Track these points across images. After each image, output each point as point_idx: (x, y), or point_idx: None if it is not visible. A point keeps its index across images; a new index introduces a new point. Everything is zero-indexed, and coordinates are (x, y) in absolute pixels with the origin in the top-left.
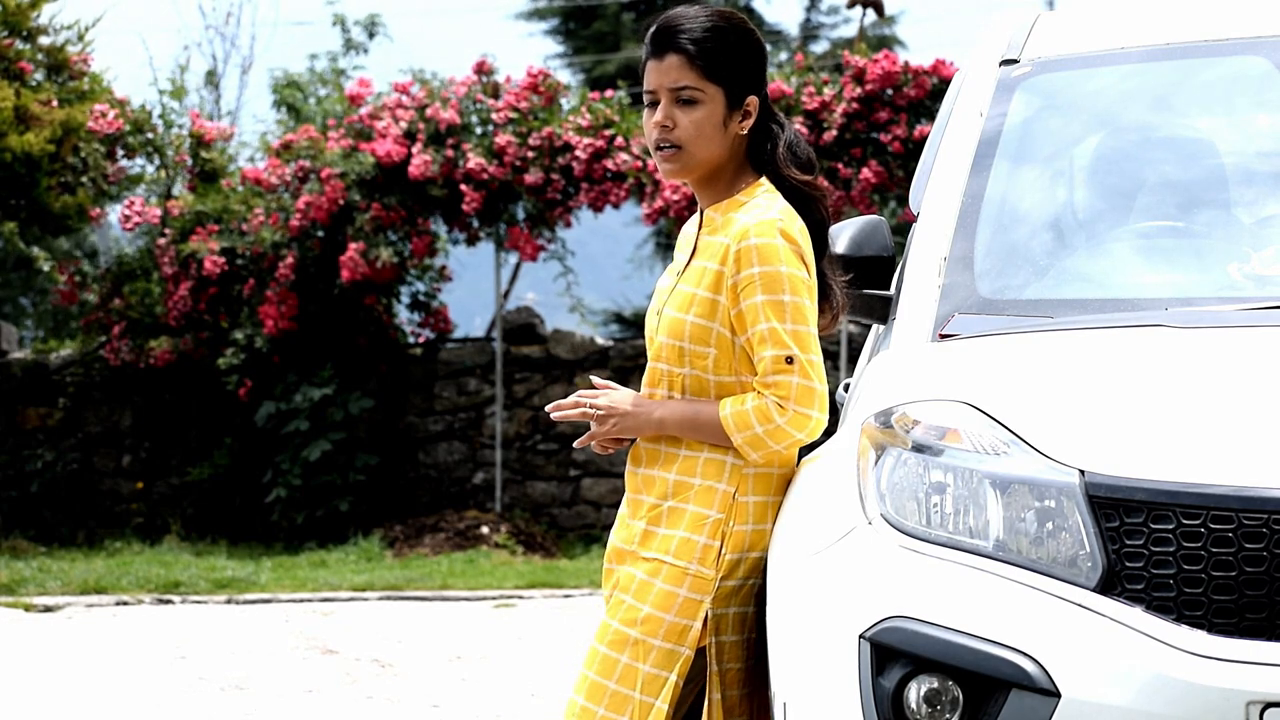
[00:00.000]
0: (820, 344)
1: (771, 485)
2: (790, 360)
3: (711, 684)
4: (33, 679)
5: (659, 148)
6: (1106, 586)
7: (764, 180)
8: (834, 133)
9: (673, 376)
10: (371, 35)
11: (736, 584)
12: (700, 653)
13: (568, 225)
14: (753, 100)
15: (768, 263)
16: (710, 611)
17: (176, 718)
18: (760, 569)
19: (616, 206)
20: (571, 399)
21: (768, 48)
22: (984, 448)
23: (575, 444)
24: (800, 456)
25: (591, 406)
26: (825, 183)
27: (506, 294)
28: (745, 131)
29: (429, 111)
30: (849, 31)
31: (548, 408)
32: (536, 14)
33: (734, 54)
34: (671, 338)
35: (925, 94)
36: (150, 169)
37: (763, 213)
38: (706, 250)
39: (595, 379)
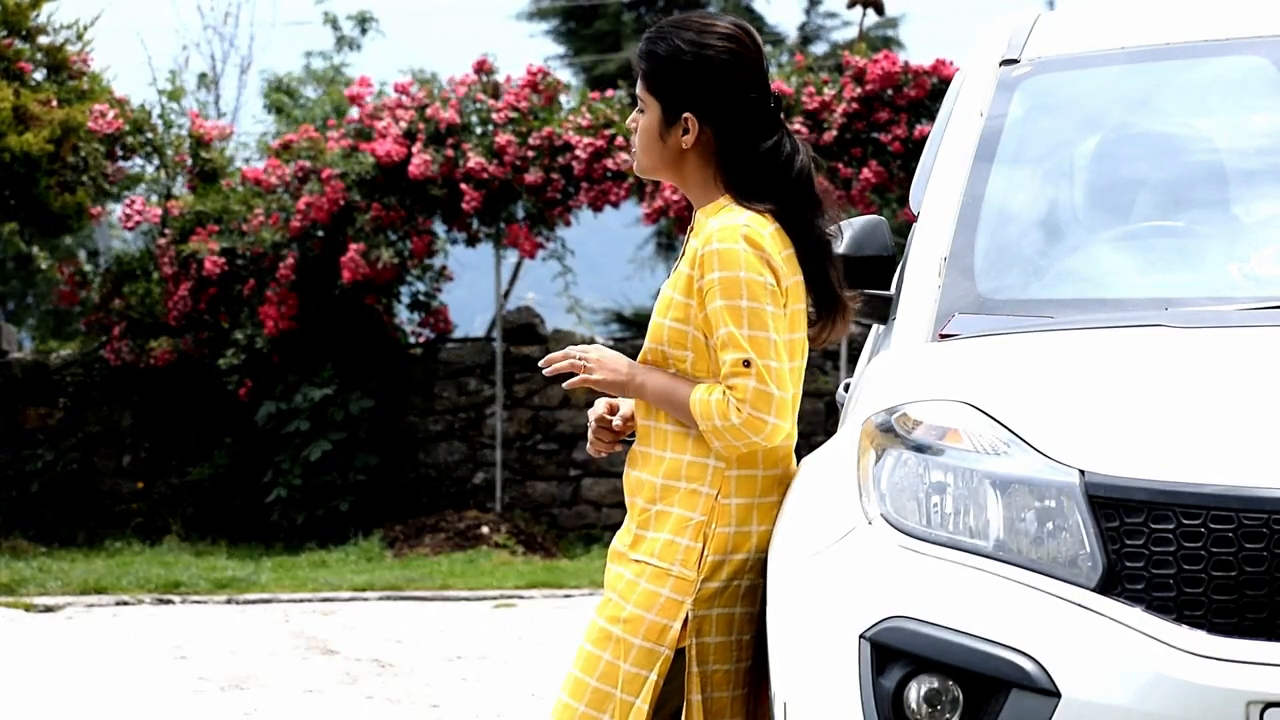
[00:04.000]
0: (818, 346)
1: (756, 488)
2: (747, 364)
3: (690, 685)
4: (33, 679)
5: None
6: (1107, 586)
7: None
8: (834, 133)
9: None
10: (364, 31)
11: (720, 585)
12: (683, 653)
13: (567, 224)
14: (689, 118)
15: (727, 268)
16: (691, 613)
17: (176, 718)
18: (746, 570)
19: (616, 206)
20: (562, 352)
21: (711, 70)
22: (984, 448)
23: (565, 385)
24: (799, 458)
25: (580, 358)
26: (823, 186)
27: (506, 294)
28: (689, 146)
29: (429, 111)
30: (847, 34)
31: (540, 363)
32: (538, 14)
33: (676, 73)
34: (653, 341)
35: (925, 94)
36: (150, 169)
37: (732, 217)
38: (686, 254)
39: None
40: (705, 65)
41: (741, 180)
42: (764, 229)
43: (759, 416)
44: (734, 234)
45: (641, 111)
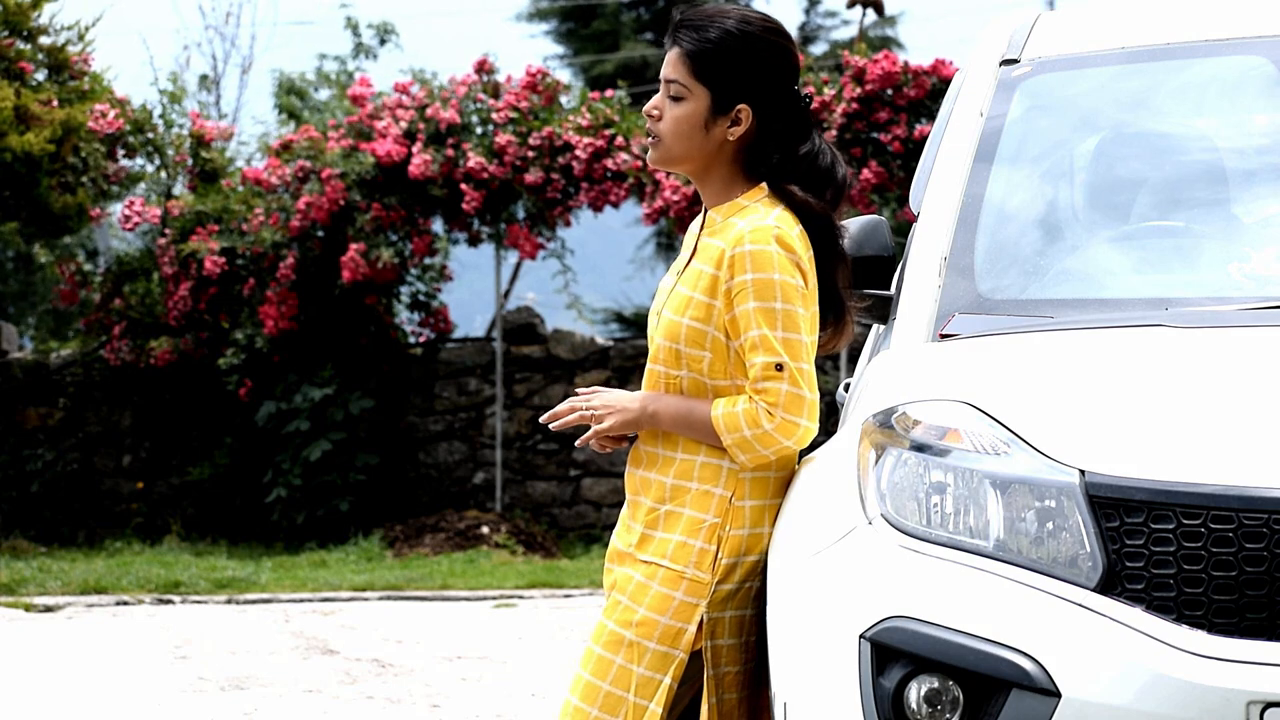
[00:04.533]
0: (823, 353)
1: (769, 489)
2: (780, 368)
3: (709, 688)
4: (33, 679)
5: (646, 133)
6: (1107, 586)
7: (765, 185)
8: (834, 133)
9: (670, 378)
10: (383, 41)
11: (733, 588)
12: (696, 655)
13: (567, 224)
14: (744, 109)
15: (761, 269)
16: (706, 615)
17: (176, 718)
18: (757, 572)
19: (616, 206)
20: (566, 404)
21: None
22: (984, 448)
23: (577, 443)
24: (800, 457)
25: (587, 408)
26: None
27: (507, 294)
28: (734, 138)
29: (429, 111)
30: (846, 34)
31: (543, 419)
32: (537, 14)
33: (732, 61)
34: (668, 340)
35: (925, 94)
36: (150, 169)
37: (760, 218)
38: (705, 253)
39: (580, 390)
40: (760, 56)
41: (782, 177)
42: (792, 229)
43: (792, 420)
44: (766, 235)
45: (676, 99)
